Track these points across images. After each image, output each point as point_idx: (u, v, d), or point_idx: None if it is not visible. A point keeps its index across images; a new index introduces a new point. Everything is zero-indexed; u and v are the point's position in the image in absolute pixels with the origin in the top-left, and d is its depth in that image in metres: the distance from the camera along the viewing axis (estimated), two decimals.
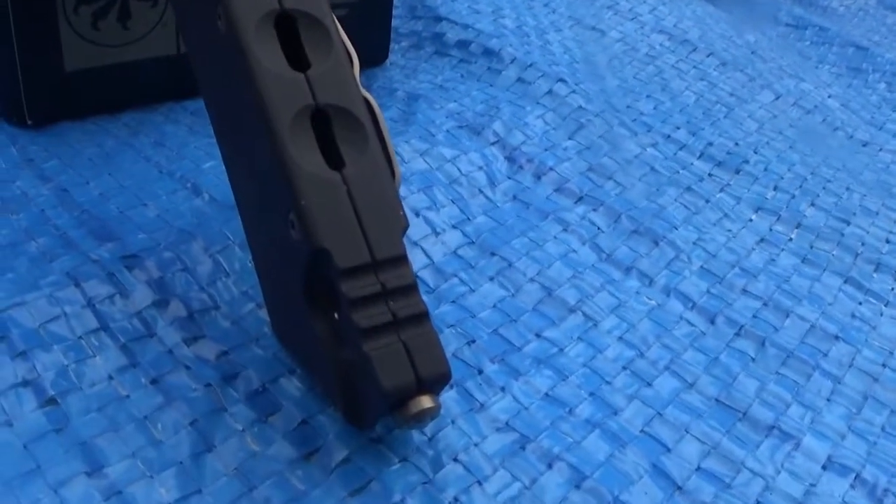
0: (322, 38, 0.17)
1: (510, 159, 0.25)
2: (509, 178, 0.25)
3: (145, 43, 0.26)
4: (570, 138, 0.26)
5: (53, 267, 0.20)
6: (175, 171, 0.23)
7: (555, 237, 0.23)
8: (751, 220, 0.25)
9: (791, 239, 0.25)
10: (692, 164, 0.27)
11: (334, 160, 0.15)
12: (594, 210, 0.24)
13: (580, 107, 0.27)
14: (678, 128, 0.29)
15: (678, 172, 0.26)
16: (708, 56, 0.34)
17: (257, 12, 0.16)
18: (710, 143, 0.28)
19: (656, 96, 0.30)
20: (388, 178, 0.16)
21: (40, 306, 0.18)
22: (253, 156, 0.17)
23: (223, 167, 0.24)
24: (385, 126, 0.17)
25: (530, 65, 0.29)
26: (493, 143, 0.26)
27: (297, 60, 0.16)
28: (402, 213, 0.16)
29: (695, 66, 0.33)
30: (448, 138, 0.25)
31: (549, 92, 0.28)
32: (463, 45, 0.30)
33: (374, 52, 0.30)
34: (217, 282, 0.20)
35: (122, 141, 0.25)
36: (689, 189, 0.25)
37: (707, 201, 0.25)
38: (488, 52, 0.29)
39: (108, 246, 0.20)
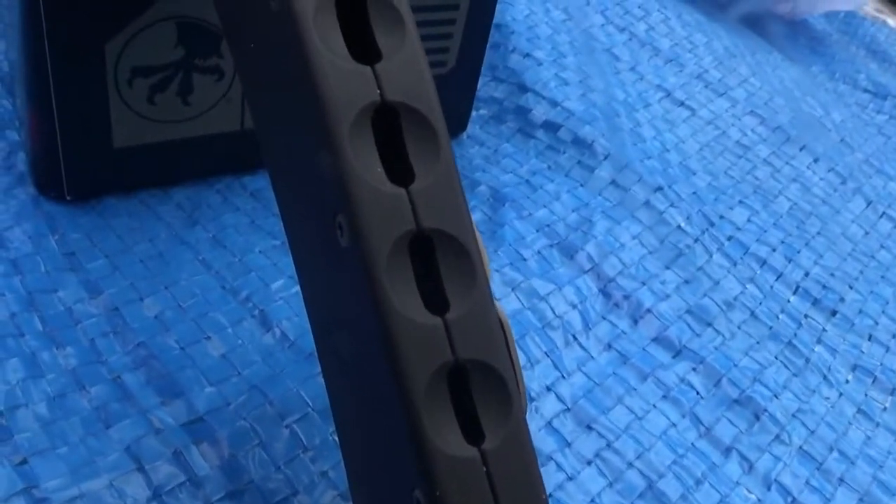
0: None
1: (605, 293, 0.23)
2: (604, 318, 0.22)
3: (206, 118, 0.23)
4: (668, 267, 0.24)
5: (111, 436, 0.17)
6: (240, 288, 0.21)
7: (654, 406, 0.21)
8: (847, 381, 0.24)
9: (885, 409, 0.24)
10: (789, 301, 0.25)
11: (473, 430, 0.13)
12: (694, 370, 0.22)
13: (679, 227, 0.25)
14: (774, 249, 0.26)
15: (777, 318, 0.24)
16: (801, 150, 0.31)
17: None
18: (807, 273, 0.26)
19: (749, 202, 0.28)
20: (530, 453, 0.14)
21: (101, 498, 0.16)
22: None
23: (294, 285, 0.21)
24: (518, 361, 0.14)
25: (625, 165, 0.26)
26: (587, 272, 0.23)
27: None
28: (544, 496, 0.14)
29: (787, 163, 0.30)
30: (539, 263, 0.23)
31: (646, 204, 0.25)
32: (551, 127, 0.27)
33: (452, 122, 0.27)
34: (294, 460, 0.18)
35: (176, 234, 0.22)
36: (789, 344, 0.23)
37: (807, 360, 0.23)
38: (579, 142, 0.27)
39: (172, 405, 0.18)
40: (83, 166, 0.22)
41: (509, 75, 0.29)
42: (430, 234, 0.14)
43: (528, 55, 0.29)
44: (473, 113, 0.28)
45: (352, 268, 0.14)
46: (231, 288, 0.21)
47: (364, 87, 0.13)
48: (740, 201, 0.28)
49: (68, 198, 0.23)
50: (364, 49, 0.14)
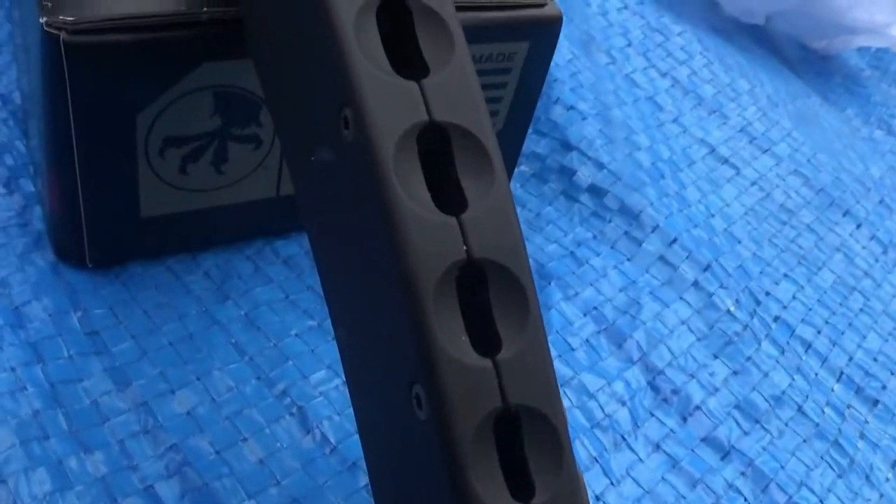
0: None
1: (654, 387, 0.22)
2: (653, 414, 0.21)
3: (240, 186, 0.21)
4: (716, 357, 0.23)
5: None
6: (276, 380, 0.19)
7: None
8: (888, 479, 0.23)
9: None
10: (833, 390, 0.24)
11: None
12: (742, 474, 0.21)
13: (728, 311, 0.24)
14: (819, 331, 0.26)
15: (823, 412, 0.23)
16: (844, 215, 0.30)
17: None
18: (850, 358, 0.25)
19: (794, 276, 0.27)
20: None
21: None
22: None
23: (334, 377, 0.20)
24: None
25: (674, 240, 0.25)
26: (635, 362, 0.22)
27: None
28: None
29: (831, 230, 0.29)
30: (588, 354, 0.22)
31: (695, 284, 0.24)
32: (596, 192, 0.26)
33: None
34: None
35: (207, 310, 0.21)
36: (835, 443, 0.23)
37: (851, 461, 0.23)
38: (626, 211, 0.25)
39: None
40: (107, 235, 0.21)
41: (552, 129, 0.27)
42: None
43: (571, 108, 0.28)
44: (514, 170, 0.26)
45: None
46: (267, 379, 0.20)
47: (449, 243, 0.12)
48: (785, 275, 0.27)
49: (90, 265, 0.21)
50: (447, 195, 0.13)
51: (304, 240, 0.23)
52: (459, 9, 0.21)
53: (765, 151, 0.31)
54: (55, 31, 0.17)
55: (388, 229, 0.12)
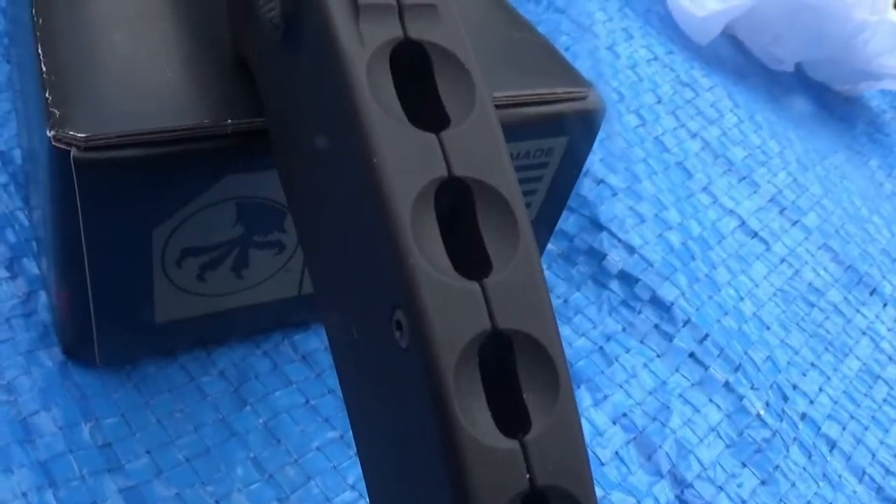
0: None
1: (683, 502, 0.21)
2: None
3: (260, 288, 0.20)
4: (745, 465, 0.22)
5: None
6: (299, 503, 0.19)
7: None
8: None
9: None
10: (855, 492, 0.24)
11: None
12: None
13: (758, 415, 0.23)
14: (844, 427, 0.25)
15: None
16: (871, 294, 0.29)
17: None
18: (873, 456, 0.25)
19: (821, 365, 0.26)
20: None
21: None
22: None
23: (362, 500, 0.19)
24: None
25: (705, 336, 0.24)
26: (664, 475, 0.21)
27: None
28: None
29: (858, 310, 0.29)
30: (618, 468, 0.21)
31: (726, 385, 0.24)
32: (627, 280, 0.25)
33: None
34: None
35: (224, 421, 0.20)
36: None
37: None
38: (657, 302, 0.24)
39: None
40: (119, 339, 0.20)
41: (582, 205, 0.26)
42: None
43: (602, 181, 0.26)
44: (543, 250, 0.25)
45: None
46: (289, 502, 0.19)
47: (513, 472, 0.11)
48: (812, 364, 0.26)
49: (99, 364, 0.20)
50: (511, 414, 0.12)
51: (323, 333, 0.22)
52: (498, 107, 0.20)
53: (794, 223, 0.30)
54: (65, 147, 0.16)
55: (447, 459, 0.11)
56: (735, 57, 0.36)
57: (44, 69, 0.17)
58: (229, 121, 0.17)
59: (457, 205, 0.12)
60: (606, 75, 0.30)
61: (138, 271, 0.18)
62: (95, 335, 0.19)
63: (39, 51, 0.17)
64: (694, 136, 0.31)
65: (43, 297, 0.21)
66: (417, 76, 0.13)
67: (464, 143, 0.12)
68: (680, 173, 0.29)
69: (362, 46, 0.12)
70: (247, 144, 0.17)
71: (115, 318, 0.19)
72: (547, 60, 0.22)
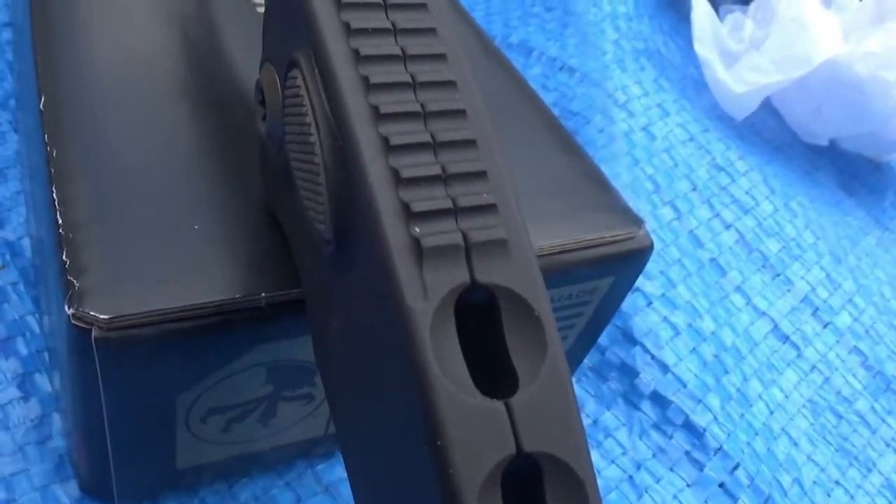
0: None
1: None
2: None
3: (287, 433, 0.19)
4: None
5: None
6: None
7: None
8: None
9: None
10: None
11: None
12: None
13: None
14: None
15: None
16: None
17: None
18: None
19: (845, 483, 0.26)
20: None
21: None
22: None
23: None
24: None
25: (736, 465, 0.23)
26: None
27: None
28: None
29: (883, 420, 0.28)
30: None
31: None
32: (659, 401, 0.24)
33: None
34: None
35: None
36: None
37: None
38: (689, 427, 0.24)
39: None
40: (138, 481, 0.19)
41: (615, 315, 0.25)
42: None
43: (636, 289, 0.25)
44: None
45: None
46: None
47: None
48: (837, 482, 0.26)
49: (118, 502, 0.19)
50: None
51: None
52: (542, 256, 0.19)
53: (826, 325, 0.29)
54: (85, 326, 0.15)
55: None
56: (770, 129, 0.35)
57: (60, 221, 0.16)
58: (263, 294, 0.16)
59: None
60: (642, 161, 0.29)
61: (160, 429, 0.17)
62: (114, 478, 0.18)
63: (55, 195, 0.16)
64: (728, 227, 0.30)
65: (57, 420, 0.20)
66: (483, 320, 0.12)
67: (533, 413, 0.11)
68: (714, 271, 0.28)
69: (426, 300, 0.11)
70: (281, 314, 0.16)
71: (134, 465, 0.18)
72: (595, 193, 0.20)
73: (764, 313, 0.28)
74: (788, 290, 0.29)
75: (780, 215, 0.31)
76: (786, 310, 0.29)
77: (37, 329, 0.22)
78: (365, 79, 0.12)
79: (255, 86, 0.16)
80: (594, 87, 0.30)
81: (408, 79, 0.13)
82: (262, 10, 0.23)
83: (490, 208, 0.12)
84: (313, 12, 0.13)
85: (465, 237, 0.12)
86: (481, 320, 0.12)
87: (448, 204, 0.12)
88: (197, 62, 0.20)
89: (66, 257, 0.15)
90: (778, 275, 0.30)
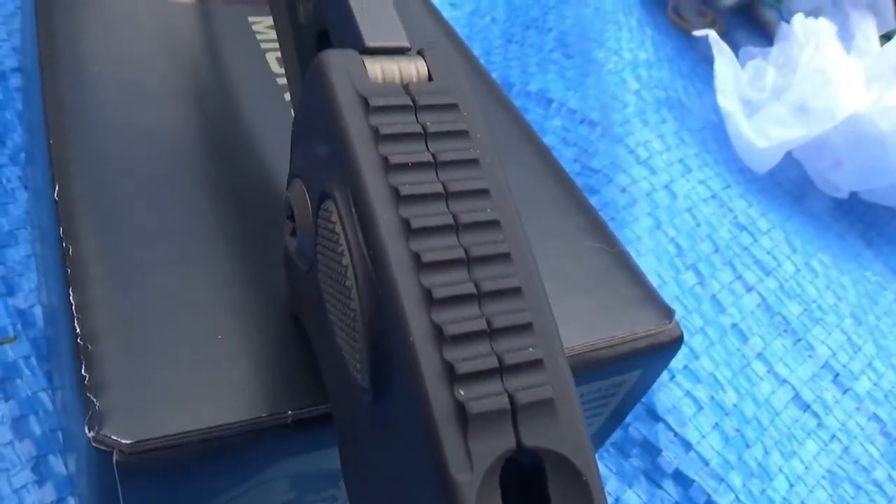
0: None
1: None
2: None
3: None
4: None
5: None
6: None
7: None
8: None
9: None
10: None
11: None
12: None
13: None
14: None
15: None
16: None
17: None
18: None
19: None
20: None
21: None
22: None
23: None
24: None
25: None
26: None
27: None
28: None
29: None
30: None
31: None
32: (681, 481, 0.24)
33: None
34: None
35: None
36: None
37: None
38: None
39: None
40: None
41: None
42: None
43: None
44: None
45: None
46: None
47: None
48: None
49: None
50: None
51: None
52: (573, 356, 0.19)
53: (846, 391, 0.29)
54: (106, 449, 0.14)
55: None
56: (791, 180, 0.35)
57: (78, 330, 0.15)
58: (289, 412, 0.15)
59: None
60: (664, 222, 0.28)
61: None
62: None
63: (72, 300, 0.16)
64: (750, 289, 0.29)
65: None
66: (528, 483, 0.11)
67: None
68: (736, 338, 0.28)
69: (471, 471, 0.11)
70: (307, 429, 0.16)
71: None
72: (626, 284, 0.20)
73: (785, 381, 0.28)
74: (809, 356, 0.29)
75: (801, 276, 0.31)
76: (806, 376, 0.29)
77: (50, 406, 0.21)
78: (406, 222, 0.12)
79: (284, 200, 0.15)
80: (616, 143, 0.30)
81: (450, 220, 0.12)
82: (283, 80, 0.22)
83: (536, 364, 0.12)
84: (350, 146, 0.12)
85: (511, 399, 0.11)
86: (527, 483, 0.11)
87: (494, 363, 0.11)
88: (217, 143, 0.20)
89: (86, 372, 0.15)
90: (799, 339, 0.29)
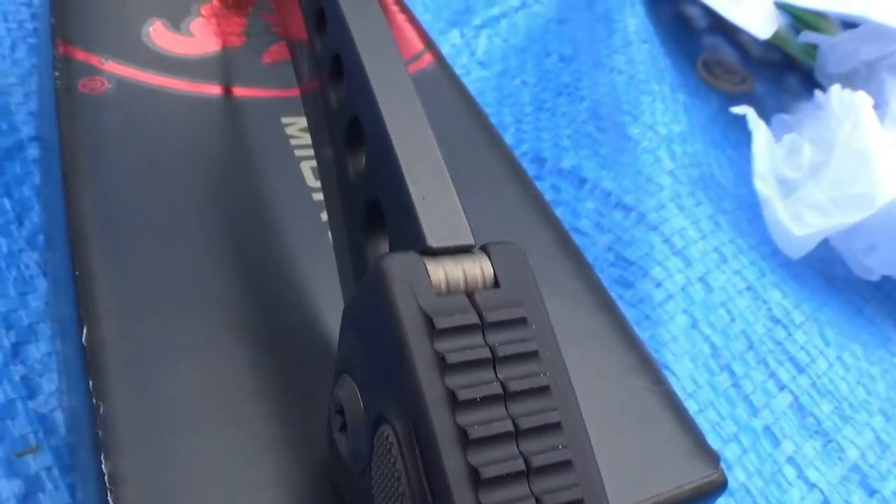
0: None
1: None
2: None
3: None
4: None
5: None
6: None
7: None
8: None
9: None
10: None
11: None
12: None
13: None
14: None
15: None
16: None
17: None
18: None
19: None
20: None
21: None
22: None
23: None
24: None
25: None
26: None
27: None
28: None
29: None
30: None
31: None
32: None
33: None
34: None
35: None
36: None
37: None
38: None
39: None
40: None
41: None
42: None
43: None
44: None
45: None
46: None
47: None
48: None
49: None
50: None
51: None
52: None
53: (872, 494, 0.28)
54: None
55: None
56: (823, 261, 0.34)
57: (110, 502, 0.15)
58: None
59: None
60: (700, 320, 0.28)
61: None
62: None
63: (105, 468, 0.15)
64: (783, 388, 0.29)
65: None
66: None
67: None
68: (768, 441, 0.27)
69: None
70: None
71: None
72: (672, 430, 0.19)
73: (814, 485, 0.28)
74: (839, 458, 0.29)
75: (833, 371, 0.30)
76: (835, 480, 0.28)
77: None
78: (475, 471, 0.11)
79: (331, 396, 0.15)
80: (651, 231, 0.29)
81: (521, 466, 0.12)
82: (318, 196, 0.21)
83: None
84: (415, 377, 0.12)
85: None
86: None
87: None
88: (248, 274, 0.19)
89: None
90: (829, 441, 0.29)
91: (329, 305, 0.19)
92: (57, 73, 0.23)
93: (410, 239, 0.13)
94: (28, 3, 0.33)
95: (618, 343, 0.21)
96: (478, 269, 0.13)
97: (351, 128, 0.16)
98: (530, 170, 0.33)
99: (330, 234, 0.18)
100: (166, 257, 0.19)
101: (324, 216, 0.21)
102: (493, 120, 0.35)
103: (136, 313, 0.18)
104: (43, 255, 0.26)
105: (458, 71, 0.37)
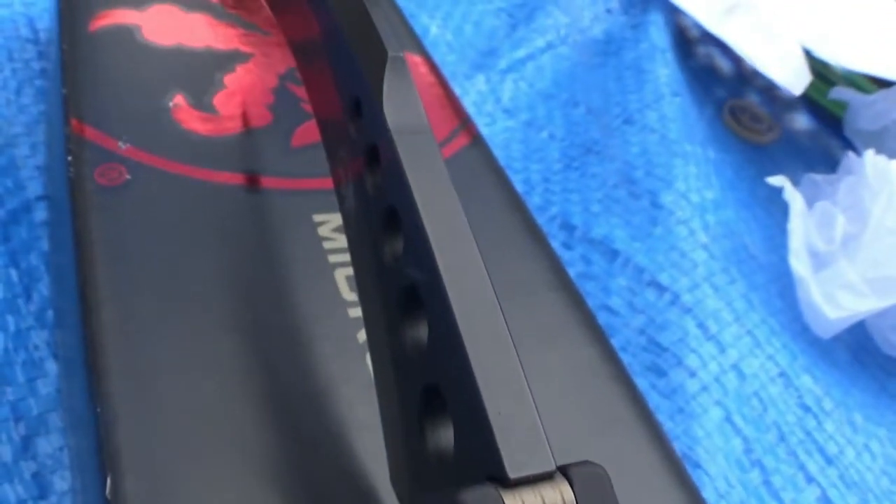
0: None
1: None
2: None
3: None
4: None
5: None
6: None
7: None
8: None
9: None
10: None
11: None
12: None
13: None
14: None
15: None
16: None
17: None
18: None
19: None
20: None
21: None
22: None
23: None
24: None
25: None
26: None
27: None
28: None
29: None
30: None
31: None
32: None
33: None
34: None
35: None
36: None
37: None
38: None
39: None
40: None
41: None
42: None
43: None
44: None
45: None
46: None
47: None
48: None
49: None
50: None
51: None
52: None
53: None
54: None
55: None
56: (852, 337, 0.33)
57: None
58: None
59: None
60: (733, 412, 0.27)
61: None
62: None
63: None
64: (811, 481, 0.28)
65: None
66: None
67: None
68: None
69: None
70: None
71: None
72: None
73: None
74: None
75: (861, 461, 0.29)
76: None
77: None
78: None
79: None
80: (685, 314, 0.28)
81: None
82: (355, 312, 0.20)
83: None
84: None
85: None
86: None
87: None
88: (282, 414, 0.18)
89: None
90: None
91: (367, 449, 0.17)
92: (70, 158, 0.21)
93: (483, 456, 0.12)
94: (34, 40, 0.31)
95: (655, 454, 0.20)
96: (558, 497, 0.12)
97: (406, 294, 0.14)
98: (559, 237, 0.32)
99: (377, 398, 0.17)
100: (188, 392, 0.18)
101: (360, 336, 0.20)
102: (520, 176, 0.34)
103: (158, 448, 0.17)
104: (53, 334, 0.24)
105: (484, 120, 0.36)
